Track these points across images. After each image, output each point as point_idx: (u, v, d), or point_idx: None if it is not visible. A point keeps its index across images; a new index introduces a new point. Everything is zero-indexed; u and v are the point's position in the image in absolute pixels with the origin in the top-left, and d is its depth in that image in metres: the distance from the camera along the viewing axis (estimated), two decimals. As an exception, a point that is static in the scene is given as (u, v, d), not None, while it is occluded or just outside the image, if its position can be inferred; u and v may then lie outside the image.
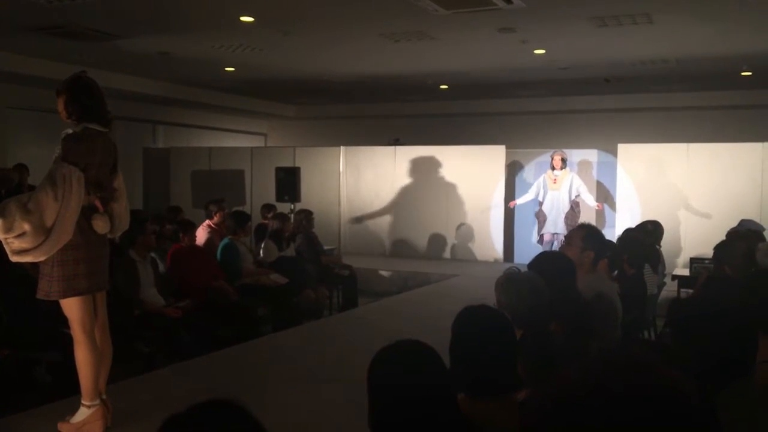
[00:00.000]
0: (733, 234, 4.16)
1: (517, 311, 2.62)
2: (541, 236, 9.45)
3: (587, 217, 9.00)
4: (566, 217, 9.20)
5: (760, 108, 11.83)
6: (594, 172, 10.78)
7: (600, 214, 10.41)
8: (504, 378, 2.08)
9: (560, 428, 0.84)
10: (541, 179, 9.57)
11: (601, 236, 3.80)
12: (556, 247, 8.87)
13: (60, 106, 3.58)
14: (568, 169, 9.43)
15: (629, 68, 10.01)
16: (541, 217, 9.48)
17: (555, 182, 9.33)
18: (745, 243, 4.07)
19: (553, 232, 9.28)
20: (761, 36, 7.88)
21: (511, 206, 10.25)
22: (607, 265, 3.65)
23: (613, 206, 10.35)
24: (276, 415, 3.69)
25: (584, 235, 3.70)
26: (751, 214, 8.09)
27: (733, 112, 12.08)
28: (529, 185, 10.04)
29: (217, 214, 7.71)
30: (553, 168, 9.42)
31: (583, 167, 10.78)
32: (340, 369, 4.69)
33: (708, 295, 2.21)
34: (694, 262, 6.90)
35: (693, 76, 10.60)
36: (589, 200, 9.37)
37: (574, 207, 9.32)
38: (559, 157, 9.36)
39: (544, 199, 9.40)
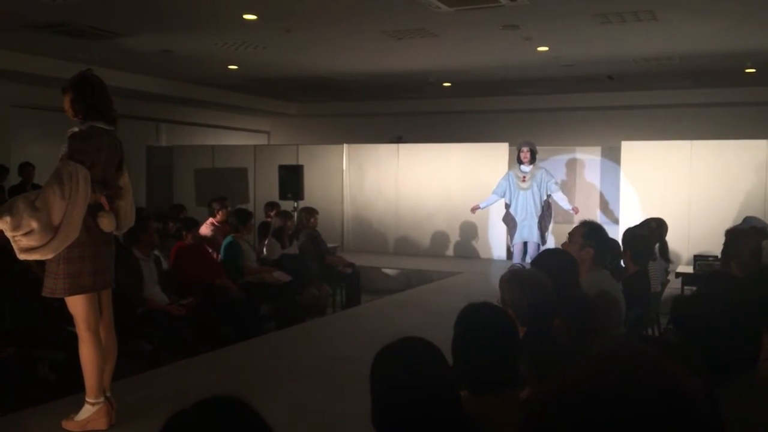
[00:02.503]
0: (733, 232, 4.13)
1: (521, 308, 2.62)
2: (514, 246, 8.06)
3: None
4: (539, 222, 7.80)
5: (764, 105, 11.80)
6: (597, 170, 10.77)
7: (606, 210, 10.38)
8: (506, 375, 2.09)
9: (563, 425, 0.84)
10: (507, 177, 8.12)
11: (602, 233, 3.78)
12: (532, 255, 7.52)
13: (66, 104, 3.59)
14: (538, 164, 8.05)
15: (633, 65, 9.99)
16: (510, 223, 8.02)
17: (524, 180, 7.83)
18: (753, 240, 4.04)
19: (526, 240, 7.89)
20: (765, 33, 7.86)
21: (473, 212, 8.68)
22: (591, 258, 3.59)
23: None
24: (279, 412, 3.69)
25: (585, 232, 3.70)
26: (756, 212, 8.08)
27: (738, 109, 12.06)
28: None
29: (220, 212, 7.73)
30: (520, 163, 7.94)
31: (587, 165, 10.77)
32: (342, 366, 4.69)
33: (711, 292, 2.20)
34: (698, 259, 6.89)
35: (697, 73, 10.57)
36: (562, 201, 7.97)
37: (546, 209, 7.88)
38: (528, 149, 7.86)
39: (511, 200, 7.97)
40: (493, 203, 8.37)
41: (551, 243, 8.17)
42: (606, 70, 10.49)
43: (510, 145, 10.87)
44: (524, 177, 7.85)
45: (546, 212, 7.87)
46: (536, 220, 7.76)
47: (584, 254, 3.56)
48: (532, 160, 7.87)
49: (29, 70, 9.68)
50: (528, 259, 7.48)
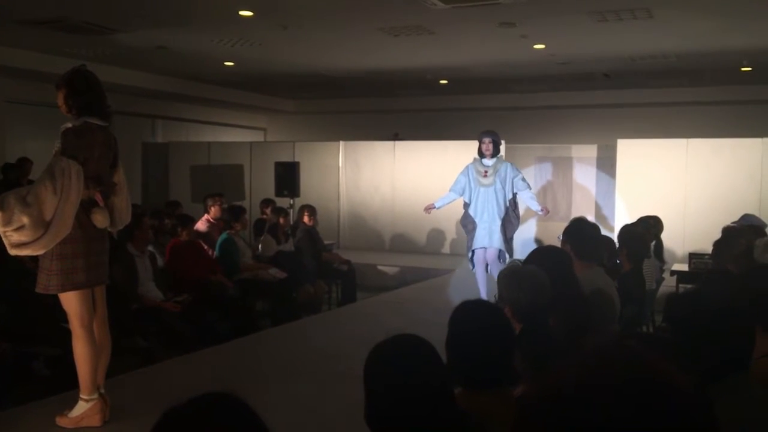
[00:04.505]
0: (730, 230, 4.14)
1: (519, 305, 2.62)
2: (473, 253, 6.69)
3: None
4: (503, 225, 6.58)
5: (759, 103, 11.83)
6: (593, 168, 10.78)
7: (600, 209, 10.38)
8: (501, 372, 2.09)
9: (556, 423, 0.84)
10: (466, 171, 6.83)
11: (581, 229, 3.75)
12: (491, 264, 6.55)
13: (60, 100, 3.57)
14: (503, 156, 6.91)
15: (629, 63, 10.00)
16: (469, 225, 6.73)
17: (485, 175, 6.62)
18: (745, 239, 4.06)
19: (487, 246, 6.56)
20: (761, 31, 7.88)
21: (427, 212, 7.33)
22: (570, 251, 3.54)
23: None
24: (274, 409, 3.69)
25: (565, 229, 3.71)
26: (751, 210, 8.09)
27: (733, 107, 12.08)
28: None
29: (213, 208, 7.69)
30: (482, 155, 6.72)
31: (583, 162, 10.78)
32: (338, 363, 4.69)
33: (706, 290, 2.21)
34: (693, 257, 6.90)
35: (693, 72, 10.58)
36: (530, 201, 6.76)
37: (511, 210, 6.66)
38: (490, 140, 6.68)
39: (470, 198, 6.72)
40: (450, 202, 7.06)
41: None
42: (602, 68, 10.50)
43: (506, 143, 10.85)
44: (486, 172, 6.63)
45: (512, 213, 6.68)
46: (498, 222, 6.54)
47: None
48: (495, 152, 6.69)
49: (24, 65, 9.63)
50: (488, 271, 6.54)
